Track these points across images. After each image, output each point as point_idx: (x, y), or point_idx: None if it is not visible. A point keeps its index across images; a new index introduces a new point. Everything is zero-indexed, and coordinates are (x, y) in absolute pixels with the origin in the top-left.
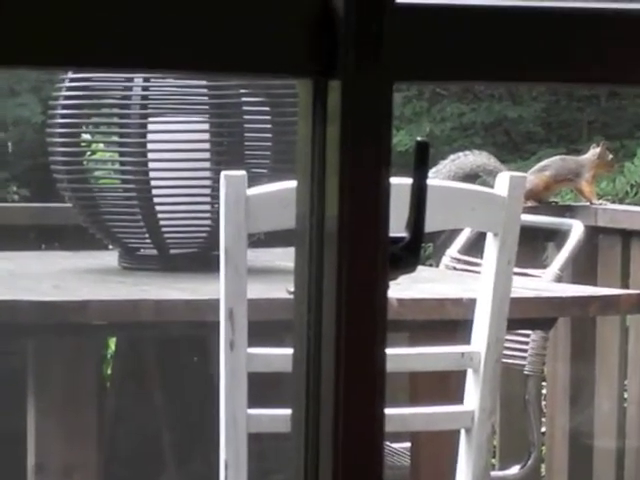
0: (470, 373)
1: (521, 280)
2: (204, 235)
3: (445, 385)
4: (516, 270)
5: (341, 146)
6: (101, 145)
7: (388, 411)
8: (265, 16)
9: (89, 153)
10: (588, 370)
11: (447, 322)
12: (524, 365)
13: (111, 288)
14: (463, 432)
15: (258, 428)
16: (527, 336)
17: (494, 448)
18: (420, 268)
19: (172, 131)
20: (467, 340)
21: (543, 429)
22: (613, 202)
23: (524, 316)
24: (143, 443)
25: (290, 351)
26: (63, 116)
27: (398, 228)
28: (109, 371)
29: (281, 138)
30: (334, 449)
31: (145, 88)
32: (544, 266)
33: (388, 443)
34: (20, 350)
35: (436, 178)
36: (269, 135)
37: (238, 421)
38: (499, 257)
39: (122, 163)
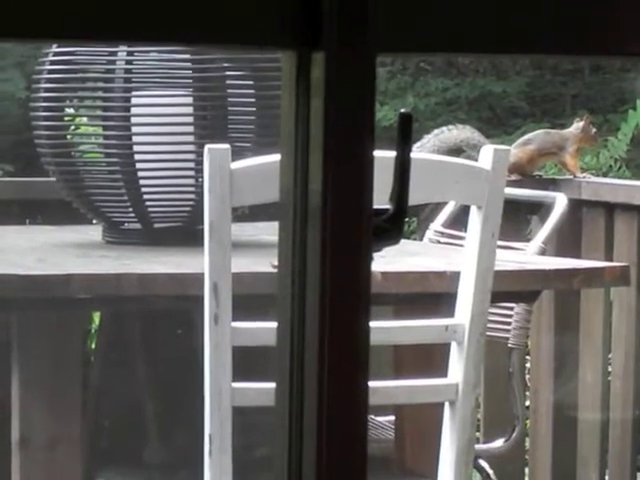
0: (454, 346)
1: (505, 253)
2: (188, 209)
3: (429, 358)
4: (500, 243)
5: (325, 119)
6: (85, 119)
7: (372, 384)
8: None
9: (73, 127)
10: (572, 343)
11: (431, 295)
12: (508, 338)
13: (95, 262)
14: (447, 405)
15: (243, 402)
16: (511, 309)
17: (478, 421)
18: (404, 242)
19: (156, 105)
20: (451, 313)
21: (527, 402)
22: (597, 176)
23: (508, 289)
24: (127, 417)
25: (274, 325)
26: (47, 90)
27: (382, 200)
28: (93, 345)
29: (265, 112)
30: (318, 422)
31: (129, 62)
32: (528, 239)
33: (372, 416)
34: (4, 324)
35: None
36: (253, 109)
37: (223, 395)
38: (483, 230)
39: (106, 137)
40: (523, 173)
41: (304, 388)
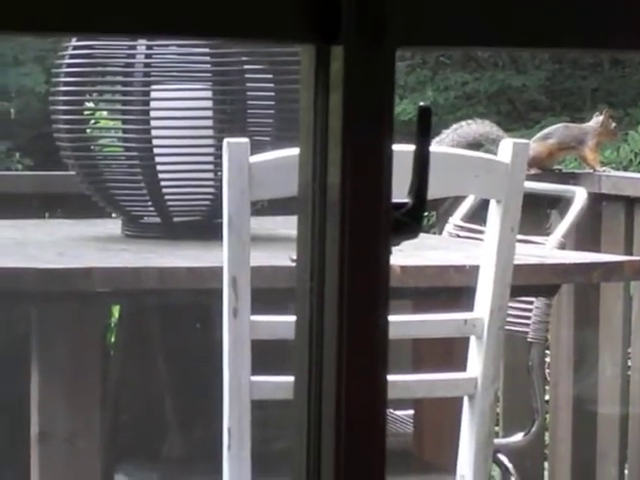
0: (473, 340)
1: (524, 247)
2: (207, 203)
3: (448, 352)
4: (519, 237)
5: (343, 113)
6: (104, 113)
7: (391, 378)
8: None
9: (92, 121)
10: (592, 337)
11: (450, 289)
12: (527, 332)
13: (114, 256)
14: (466, 399)
15: (261, 395)
16: (530, 303)
17: (497, 415)
18: (423, 235)
19: (175, 98)
20: (470, 307)
21: (547, 396)
22: (617, 170)
23: (527, 283)
24: (146, 411)
25: (293, 318)
26: (66, 84)
27: (401, 194)
28: (113, 339)
29: (284, 105)
30: (337, 416)
31: (148, 55)
32: (547, 233)
33: (391, 410)
34: (24, 317)
35: None
36: (272, 102)
37: (241, 388)
38: (502, 224)
39: (125, 131)
40: (543, 167)
41: (323, 382)
